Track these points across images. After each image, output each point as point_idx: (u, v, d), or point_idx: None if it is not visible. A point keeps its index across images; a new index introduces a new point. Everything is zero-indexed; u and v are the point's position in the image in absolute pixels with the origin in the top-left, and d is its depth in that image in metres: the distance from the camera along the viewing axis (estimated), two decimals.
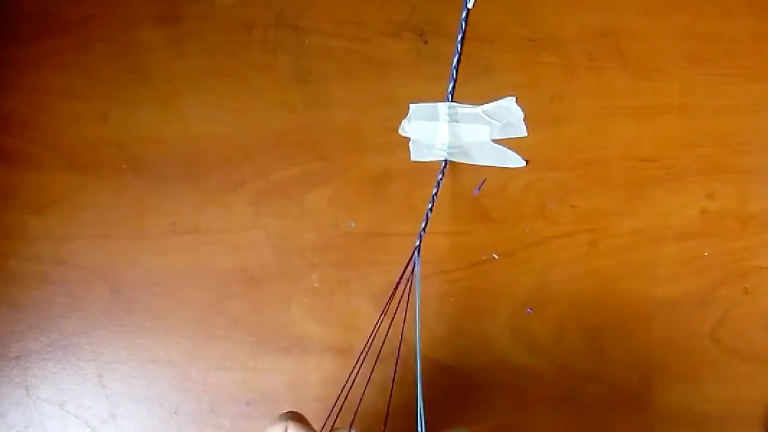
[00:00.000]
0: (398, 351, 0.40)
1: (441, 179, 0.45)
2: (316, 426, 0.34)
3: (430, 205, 0.45)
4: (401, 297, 0.40)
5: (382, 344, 0.40)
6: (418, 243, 0.43)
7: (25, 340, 0.46)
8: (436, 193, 0.45)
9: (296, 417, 0.33)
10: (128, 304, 0.46)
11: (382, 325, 0.40)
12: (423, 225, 0.44)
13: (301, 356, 0.46)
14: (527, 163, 0.46)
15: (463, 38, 0.46)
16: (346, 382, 0.37)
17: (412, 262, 0.42)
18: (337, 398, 0.36)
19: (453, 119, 0.46)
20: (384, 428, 0.36)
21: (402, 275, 0.41)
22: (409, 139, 0.46)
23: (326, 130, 0.47)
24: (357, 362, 0.39)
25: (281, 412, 0.33)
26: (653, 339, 0.45)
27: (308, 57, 0.47)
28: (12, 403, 0.45)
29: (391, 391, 0.40)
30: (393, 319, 0.40)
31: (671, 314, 0.45)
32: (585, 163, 0.46)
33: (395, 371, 0.40)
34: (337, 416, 0.35)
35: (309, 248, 0.46)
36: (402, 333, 0.41)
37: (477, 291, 0.46)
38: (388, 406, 0.38)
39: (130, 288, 0.46)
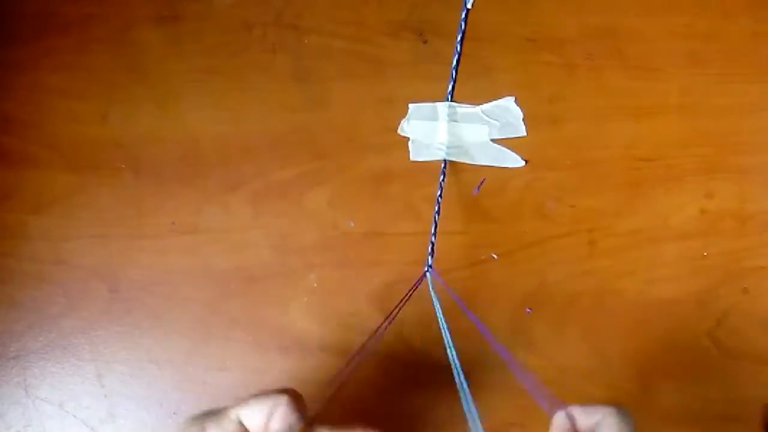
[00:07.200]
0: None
1: (443, 180, 0.45)
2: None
3: (436, 208, 0.45)
4: (404, 301, 0.41)
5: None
6: (429, 261, 0.43)
7: (24, 340, 0.46)
8: (440, 195, 0.45)
9: (294, 396, 0.31)
10: (127, 304, 0.46)
11: (383, 326, 0.40)
12: (432, 229, 0.44)
13: (300, 356, 0.46)
14: (526, 163, 0.46)
15: (462, 38, 0.46)
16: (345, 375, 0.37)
17: (423, 274, 0.43)
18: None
19: (452, 119, 0.46)
20: None
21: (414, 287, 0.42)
22: (408, 138, 0.46)
23: (325, 130, 0.47)
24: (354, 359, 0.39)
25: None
26: (652, 339, 0.45)
27: (307, 57, 0.47)
28: (11, 403, 0.45)
29: None
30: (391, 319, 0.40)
31: (670, 314, 0.45)
32: (584, 162, 0.46)
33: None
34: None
35: (308, 248, 0.46)
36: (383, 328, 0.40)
37: (476, 291, 0.46)
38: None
39: (129, 288, 0.46)
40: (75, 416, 0.45)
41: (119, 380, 0.46)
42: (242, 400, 0.31)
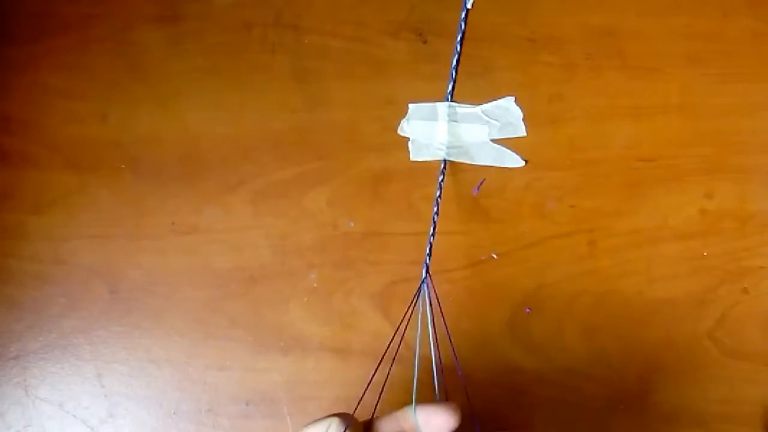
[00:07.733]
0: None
1: (442, 180, 0.45)
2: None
3: (435, 209, 0.45)
4: (413, 307, 0.41)
5: (397, 348, 0.40)
6: (427, 268, 0.43)
7: (24, 340, 0.46)
8: (439, 196, 0.45)
9: (344, 418, 0.33)
10: (127, 304, 0.46)
11: (390, 328, 0.40)
12: (431, 230, 0.44)
13: (300, 356, 0.46)
14: (526, 163, 0.46)
15: (462, 38, 0.46)
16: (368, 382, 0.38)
17: (421, 284, 0.43)
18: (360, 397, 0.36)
19: (452, 119, 0.46)
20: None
21: (417, 295, 0.42)
22: (408, 138, 0.46)
23: (325, 130, 0.47)
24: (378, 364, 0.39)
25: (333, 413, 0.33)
26: (652, 339, 0.45)
27: (307, 57, 0.47)
28: (11, 403, 0.45)
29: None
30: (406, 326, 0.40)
31: (670, 314, 0.45)
32: (584, 162, 0.46)
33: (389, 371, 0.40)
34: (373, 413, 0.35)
35: (308, 248, 0.46)
36: (402, 335, 0.40)
37: (476, 291, 0.46)
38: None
39: (129, 288, 0.46)
40: (75, 416, 0.45)
41: (119, 380, 0.46)
42: (300, 428, 0.33)
